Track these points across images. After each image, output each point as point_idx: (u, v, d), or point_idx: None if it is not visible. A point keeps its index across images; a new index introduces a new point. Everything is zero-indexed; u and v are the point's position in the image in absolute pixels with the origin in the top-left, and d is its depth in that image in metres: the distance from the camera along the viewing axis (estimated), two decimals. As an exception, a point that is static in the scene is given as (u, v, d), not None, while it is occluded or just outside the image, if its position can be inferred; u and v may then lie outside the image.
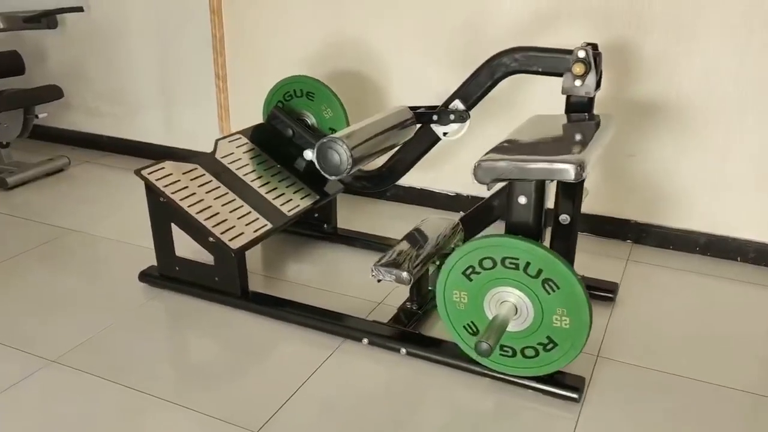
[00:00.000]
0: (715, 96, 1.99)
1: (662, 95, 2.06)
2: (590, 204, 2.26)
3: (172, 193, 1.78)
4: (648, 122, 2.10)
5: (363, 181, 2.07)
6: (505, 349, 1.44)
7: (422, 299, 1.77)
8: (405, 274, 1.56)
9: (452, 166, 2.44)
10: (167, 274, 1.89)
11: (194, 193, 1.82)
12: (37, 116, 2.81)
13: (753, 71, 1.93)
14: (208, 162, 1.96)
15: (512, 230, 1.39)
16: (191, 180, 1.86)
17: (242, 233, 1.79)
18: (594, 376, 1.55)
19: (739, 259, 2.11)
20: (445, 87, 2.34)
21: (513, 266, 1.36)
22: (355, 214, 2.47)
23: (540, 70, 1.74)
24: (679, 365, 1.59)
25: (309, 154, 1.62)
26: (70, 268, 2.05)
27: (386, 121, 1.73)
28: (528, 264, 1.34)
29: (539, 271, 1.34)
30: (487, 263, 1.38)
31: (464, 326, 1.47)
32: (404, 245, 1.68)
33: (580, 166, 1.27)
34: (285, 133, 2.12)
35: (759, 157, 1.99)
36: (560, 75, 1.71)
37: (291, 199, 2.01)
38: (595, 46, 1.69)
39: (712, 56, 1.96)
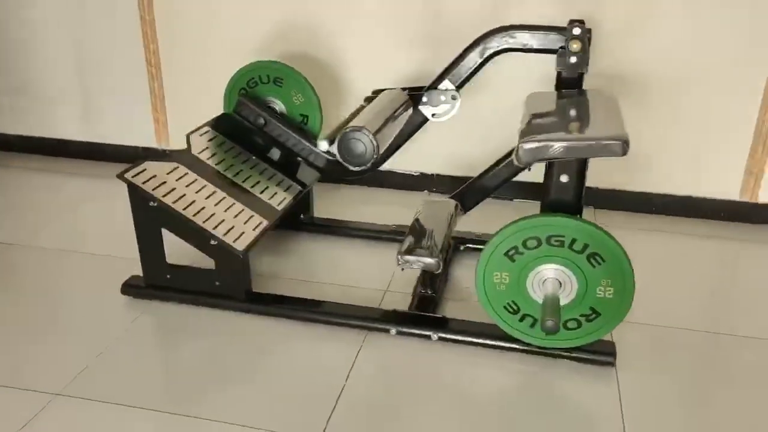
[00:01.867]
0: (672, 67, 2.12)
1: (621, 68, 2.17)
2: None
3: (163, 196, 1.63)
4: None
5: (341, 165, 2.01)
6: (547, 324, 1.48)
7: (434, 283, 1.76)
8: (434, 260, 1.55)
9: (415, 146, 2.43)
10: (156, 283, 1.74)
11: (184, 195, 1.68)
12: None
13: (706, 43, 2.08)
14: (187, 159, 1.81)
15: (552, 208, 1.42)
16: (176, 180, 1.72)
17: (243, 233, 1.68)
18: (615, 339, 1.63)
19: (703, 216, 2.29)
20: (407, 69, 2.32)
21: (558, 243, 1.39)
22: (321, 201, 2.40)
23: (532, 47, 1.76)
24: (692, 321, 1.69)
25: (324, 145, 1.55)
26: (28, 289, 1.83)
27: (391, 105, 1.69)
28: (574, 240, 1.38)
29: (585, 246, 1.38)
30: (532, 243, 1.41)
31: (504, 306, 1.49)
32: (418, 232, 1.67)
33: (626, 142, 1.31)
34: (256, 123, 2.01)
35: (711, 123, 2.16)
36: (552, 52, 1.75)
37: (276, 192, 1.91)
38: (582, 23, 1.74)
39: (669, 29, 2.09)
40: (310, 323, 1.68)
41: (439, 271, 1.57)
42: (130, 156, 2.68)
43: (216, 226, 1.64)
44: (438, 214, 1.77)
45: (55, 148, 2.76)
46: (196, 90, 2.52)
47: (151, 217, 1.65)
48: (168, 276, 1.73)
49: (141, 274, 1.77)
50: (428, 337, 1.60)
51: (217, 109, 2.51)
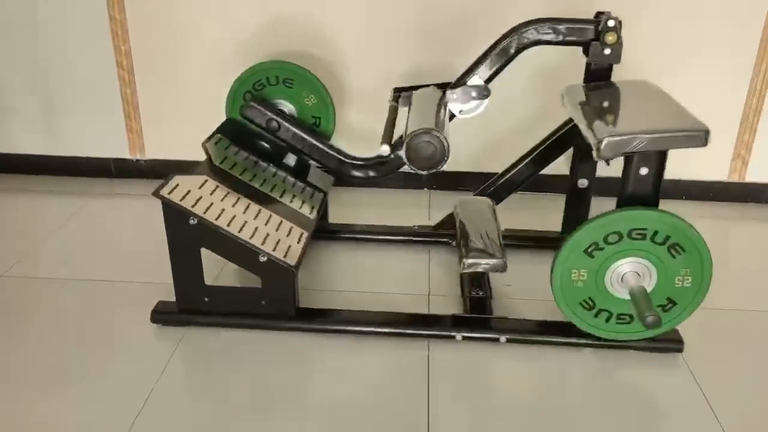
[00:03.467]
0: (661, 53, 2.18)
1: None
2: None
3: (204, 213, 1.50)
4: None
5: (366, 170, 1.93)
6: (623, 317, 1.48)
7: (483, 284, 1.73)
8: (501, 261, 1.52)
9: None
10: (192, 307, 1.60)
11: (223, 210, 1.55)
12: None
13: (694, 29, 2.16)
14: (213, 171, 1.68)
15: (630, 201, 1.41)
16: (210, 194, 1.58)
17: (290, 246, 1.57)
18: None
19: (684, 197, 2.38)
20: (406, 66, 2.26)
21: (640, 237, 1.39)
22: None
23: (563, 40, 1.76)
24: (727, 300, 1.75)
25: (386, 150, 1.46)
26: (40, 330, 1.63)
27: (433, 103, 1.63)
28: (656, 233, 1.38)
29: (666, 238, 1.39)
30: (613, 238, 1.40)
31: (580, 303, 1.48)
32: (470, 233, 1.62)
33: (707, 132, 1.33)
34: (269, 127, 1.89)
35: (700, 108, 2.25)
36: (581, 44, 1.75)
37: (304, 201, 1.81)
38: (608, 15, 1.75)
39: (659, 16, 2.15)
40: (365, 336, 1.59)
41: (506, 270, 1.54)
42: (100, 169, 2.47)
43: (263, 242, 1.53)
44: (481, 213, 1.73)
45: (12, 164, 2.48)
46: (174, 95, 2.34)
47: (190, 236, 1.51)
48: (206, 299, 1.59)
49: (169, 299, 1.63)
50: (496, 340, 1.57)
51: (197, 114, 2.35)
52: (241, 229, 1.52)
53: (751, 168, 2.33)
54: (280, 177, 1.85)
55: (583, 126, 1.47)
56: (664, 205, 2.21)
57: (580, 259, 1.43)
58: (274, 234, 1.58)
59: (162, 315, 1.61)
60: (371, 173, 1.93)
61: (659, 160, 1.37)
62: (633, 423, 1.36)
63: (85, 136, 2.43)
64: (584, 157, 1.87)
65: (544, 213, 2.13)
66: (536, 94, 2.25)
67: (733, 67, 2.20)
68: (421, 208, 2.30)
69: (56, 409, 1.36)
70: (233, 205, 1.59)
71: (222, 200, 1.58)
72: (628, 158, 1.39)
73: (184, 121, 2.38)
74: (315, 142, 1.90)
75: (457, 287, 1.80)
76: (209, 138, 1.79)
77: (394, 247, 2.02)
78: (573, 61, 2.18)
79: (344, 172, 1.94)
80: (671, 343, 1.53)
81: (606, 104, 1.55)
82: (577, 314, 1.49)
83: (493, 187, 1.92)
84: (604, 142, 1.34)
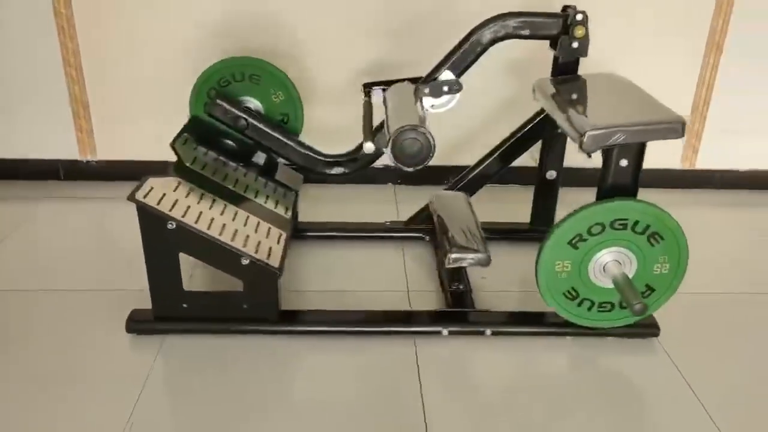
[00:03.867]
0: (610, 41, 2.24)
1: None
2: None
3: (182, 216, 1.44)
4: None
5: (338, 167, 1.91)
6: (604, 305, 1.52)
7: (463, 278, 1.74)
8: (485, 255, 1.53)
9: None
10: (170, 314, 1.54)
11: (201, 212, 1.50)
12: None
13: (646, 18, 2.23)
14: (185, 173, 1.62)
15: (610, 192, 1.44)
16: (186, 197, 1.53)
17: (270, 247, 1.54)
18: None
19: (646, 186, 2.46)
20: (372, 60, 2.24)
21: (621, 227, 1.43)
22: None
23: (533, 34, 1.78)
24: (698, 284, 1.80)
25: (370, 147, 1.45)
26: (4, 343, 1.54)
27: (410, 99, 1.62)
28: (636, 222, 1.42)
29: (646, 227, 1.43)
30: (596, 229, 1.43)
31: (563, 293, 1.50)
32: (452, 228, 1.63)
33: (684, 124, 1.37)
34: (237, 126, 1.84)
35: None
36: (550, 38, 1.78)
37: (278, 201, 1.77)
38: (574, 9, 1.78)
39: (610, 12, 2.20)
40: (350, 336, 1.58)
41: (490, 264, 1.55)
42: (48, 172, 2.35)
43: (245, 244, 1.49)
44: (458, 208, 1.74)
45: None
46: (127, 93, 2.25)
47: (168, 241, 1.45)
48: (184, 305, 1.53)
49: (141, 306, 1.57)
50: (482, 333, 1.58)
51: (152, 113, 2.27)
52: (221, 232, 1.47)
53: (701, 156, 2.43)
54: (251, 177, 1.80)
55: (561, 120, 1.49)
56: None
57: (563, 251, 1.45)
58: (253, 236, 1.54)
59: (138, 324, 1.55)
60: (343, 170, 1.91)
61: (638, 151, 1.41)
62: (619, 406, 1.40)
63: (30, 137, 2.30)
64: (553, 150, 1.90)
65: (511, 205, 2.15)
66: (499, 88, 2.28)
67: (682, 58, 2.28)
68: (388, 204, 2.29)
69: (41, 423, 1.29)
70: (210, 208, 1.54)
71: (198, 203, 1.53)
72: (608, 150, 1.42)
73: (139, 120, 2.29)
74: (285, 139, 1.87)
75: (434, 282, 1.80)
76: (177, 138, 1.73)
77: (366, 244, 2.00)
78: (538, 54, 2.22)
79: (316, 170, 1.91)
80: (648, 329, 1.58)
81: (582, 98, 1.58)
82: (561, 304, 1.52)
83: (465, 180, 1.94)
84: (587, 136, 1.37)
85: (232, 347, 1.53)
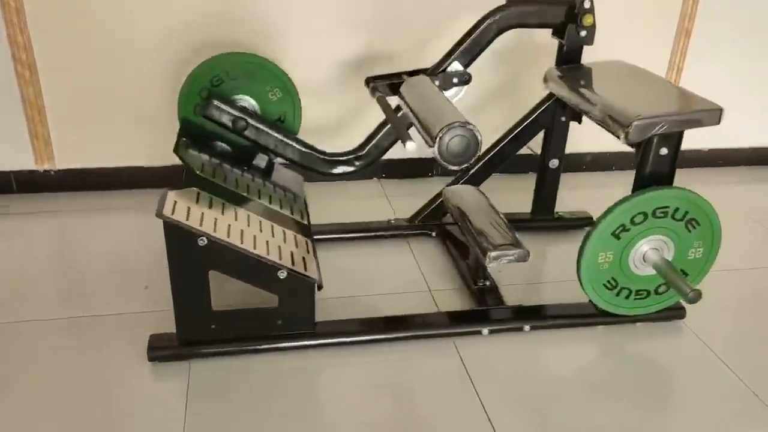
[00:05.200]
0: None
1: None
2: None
3: (213, 231, 1.32)
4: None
5: (343, 165, 1.83)
6: (641, 292, 1.54)
7: (487, 274, 1.71)
8: (524, 251, 1.51)
9: (356, 132, 2.28)
10: (197, 338, 1.42)
11: (230, 225, 1.38)
12: None
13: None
14: (200, 183, 1.49)
15: (649, 181, 1.45)
16: (209, 209, 1.40)
17: (303, 258, 1.45)
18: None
19: (614, 168, 2.52)
20: (352, 53, 2.16)
21: (663, 215, 1.44)
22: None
23: (541, 22, 1.76)
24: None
25: (413, 146, 1.37)
26: (15, 390, 1.36)
27: (435, 93, 1.56)
28: (677, 209, 1.44)
29: (685, 213, 1.45)
30: (639, 218, 1.43)
31: (603, 284, 1.51)
32: (481, 225, 1.59)
33: (722, 110, 1.40)
34: (236, 127, 1.71)
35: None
36: (556, 26, 1.77)
37: (291, 206, 1.67)
38: (573, -4, 1.78)
39: None
40: (389, 343, 1.51)
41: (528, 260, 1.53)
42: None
43: (280, 256, 1.38)
44: (478, 203, 1.70)
45: None
46: (89, 94, 2.05)
47: (199, 259, 1.33)
48: (213, 326, 1.41)
49: (156, 330, 1.44)
50: (521, 329, 1.56)
51: (117, 116, 2.08)
52: (254, 245, 1.36)
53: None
54: (259, 182, 1.69)
55: (597, 110, 1.48)
56: (596, 176, 2.33)
57: (607, 242, 1.45)
58: (284, 246, 1.44)
59: (160, 351, 1.41)
60: (349, 169, 1.82)
61: (678, 140, 1.42)
62: (661, 387, 1.43)
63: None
64: (556, 138, 1.90)
65: (506, 193, 2.14)
66: (483, 78, 2.25)
67: (652, 43, 2.34)
68: (379, 199, 2.22)
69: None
70: (235, 219, 1.42)
71: (223, 214, 1.41)
72: (648, 139, 1.42)
73: (101, 124, 2.10)
74: (287, 139, 1.75)
75: (455, 279, 1.76)
76: (178, 144, 1.58)
77: (371, 244, 1.93)
78: (522, 43, 2.21)
79: (319, 170, 1.81)
80: (675, 311, 1.61)
81: (610, 87, 1.57)
82: (600, 295, 1.52)
83: (473, 171, 1.90)
84: (633, 126, 1.36)
85: (269, 366, 1.42)
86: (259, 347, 1.44)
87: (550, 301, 1.64)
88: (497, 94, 2.28)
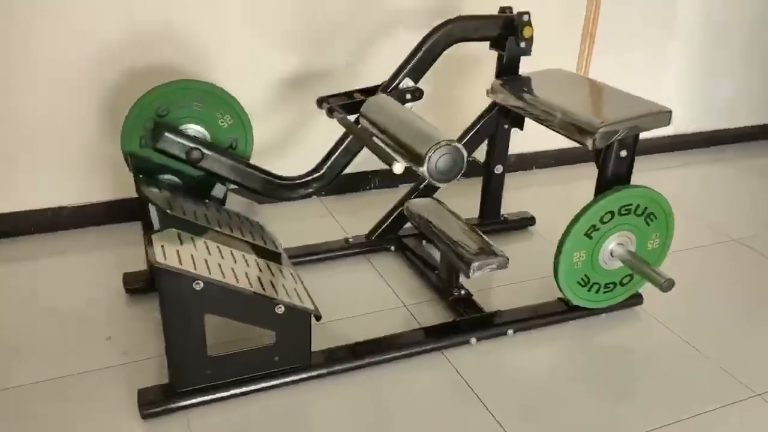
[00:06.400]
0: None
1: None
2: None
3: (209, 273, 1.26)
4: (469, 67, 2.37)
5: (300, 188, 1.79)
6: (608, 285, 1.64)
7: (458, 283, 1.75)
8: (504, 258, 1.56)
9: (299, 149, 2.25)
10: (193, 386, 1.34)
11: (220, 265, 1.32)
12: None
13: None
14: (176, 223, 1.40)
15: (611, 181, 1.55)
16: (196, 250, 1.33)
17: (295, 289, 1.41)
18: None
19: (533, 167, 2.66)
20: (288, 70, 2.12)
21: (626, 212, 1.55)
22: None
23: (485, 35, 1.83)
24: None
25: (400, 167, 1.37)
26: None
27: (405, 111, 1.57)
28: (638, 206, 1.55)
29: (645, 209, 1.57)
30: (607, 217, 1.53)
31: (578, 282, 1.59)
32: (454, 237, 1.63)
33: (670, 112, 1.53)
34: (190, 158, 1.63)
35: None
36: (494, 39, 1.84)
37: (261, 236, 1.62)
38: (511, 10, 1.87)
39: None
40: (383, 364, 1.51)
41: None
42: None
43: (276, 292, 1.34)
44: (442, 214, 1.74)
45: None
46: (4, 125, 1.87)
47: (195, 304, 1.26)
48: (209, 371, 1.34)
49: (141, 384, 1.35)
50: (504, 333, 1.61)
51: (35, 153, 1.90)
52: (249, 283, 1.31)
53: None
54: (224, 214, 1.62)
55: (558, 119, 1.56)
56: (524, 175, 2.45)
57: (581, 242, 1.54)
58: (275, 280, 1.40)
59: (153, 405, 1.32)
60: (307, 191, 1.79)
61: (634, 142, 1.53)
62: (634, 370, 1.55)
63: None
64: (499, 145, 1.98)
65: (450, 200, 2.19)
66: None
67: (562, 46, 2.49)
68: (325, 218, 2.20)
69: None
70: (222, 257, 1.36)
71: (210, 254, 1.34)
72: (609, 144, 1.52)
73: (19, 162, 1.92)
74: (244, 167, 1.70)
75: (426, 291, 1.79)
76: (138, 183, 1.49)
77: (332, 265, 1.91)
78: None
79: (277, 194, 1.77)
80: (633, 299, 1.74)
81: (562, 97, 1.66)
82: (575, 292, 1.60)
83: (425, 182, 1.94)
84: (599, 133, 1.45)
85: (270, 405, 1.38)
86: (257, 388, 1.38)
87: (517, 302, 1.70)
88: (432, 105, 2.33)
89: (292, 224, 2.13)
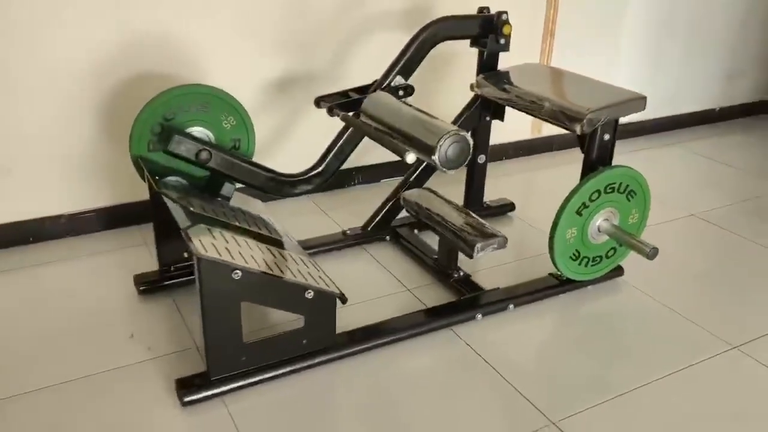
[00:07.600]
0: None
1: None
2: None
3: (245, 263, 1.34)
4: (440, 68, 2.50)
5: (303, 185, 1.88)
6: (596, 259, 1.79)
7: (456, 265, 1.86)
8: (503, 237, 1.69)
9: (290, 146, 2.33)
10: (229, 372, 1.41)
11: (252, 256, 1.40)
12: None
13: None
14: (202, 220, 1.47)
15: (598, 162, 1.70)
16: (227, 243, 1.40)
17: (319, 276, 1.50)
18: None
19: (503, 158, 2.82)
20: (278, 72, 2.20)
21: (611, 190, 1.70)
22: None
23: (469, 34, 1.96)
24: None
25: (413, 157, 1.48)
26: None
27: (405, 106, 1.68)
28: (620, 184, 1.71)
29: (626, 187, 1.72)
30: (594, 196, 1.68)
31: (570, 257, 1.74)
32: (454, 222, 1.75)
33: (645, 98, 1.69)
34: (199, 158, 1.69)
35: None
36: (475, 37, 1.98)
37: (274, 230, 1.70)
38: (488, 10, 2.01)
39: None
40: (401, 342, 1.61)
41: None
42: None
43: (305, 278, 1.43)
44: (438, 202, 1.85)
45: None
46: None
47: (233, 292, 1.33)
48: (244, 358, 1.41)
49: (173, 374, 1.42)
50: (506, 308, 1.74)
51: (29, 163, 1.91)
52: (282, 270, 1.39)
53: (544, 128, 2.86)
54: (238, 211, 1.69)
55: (546, 109, 1.69)
56: (500, 165, 2.59)
57: (573, 220, 1.68)
58: (299, 268, 1.48)
59: (192, 392, 1.38)
60: (309, 186, 1.88)
61: (615, 126, 1.69)
62: (624, 333, 1.69)
63: None
64: (482, 136, 2.12)
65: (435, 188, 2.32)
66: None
67: (525, 43, 2.65)
68: (317, 214, 2.28)
69: None
70: (250, 249, 1.43)
71: (239, 246, 1.42)
72: (594, 129, 1.67)
73: (19, 172, 1.93)
74: (249, 166, 1.77)
75: (427, 275, 1.90)
76: (156, 184, 1.54)
77: (332, 257, 2.00)
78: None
79: (281, 191, 1.84)
80: (615, 272, 1.90)
81: (546, 88, 1.80)
82: (568, 267, 1.75)
83: (416, 174, 2.05)
84: (586, 119, 1.60)
85: (302, 385, 1.46)
86: (288, 370, 1.46)
87: (509, 282, 1.83)
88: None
89: (287, 220, 2.20)
